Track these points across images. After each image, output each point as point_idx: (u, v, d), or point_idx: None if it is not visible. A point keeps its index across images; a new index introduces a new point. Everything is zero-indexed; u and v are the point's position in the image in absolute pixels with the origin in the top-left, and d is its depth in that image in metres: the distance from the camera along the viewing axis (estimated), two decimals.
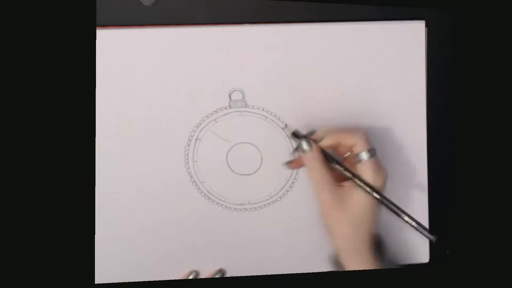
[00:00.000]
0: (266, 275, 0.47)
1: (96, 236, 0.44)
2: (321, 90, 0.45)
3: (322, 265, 0.46)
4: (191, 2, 0.43)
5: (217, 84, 0.44)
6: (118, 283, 0.45)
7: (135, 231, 0.45)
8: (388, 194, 0.47)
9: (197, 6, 0.43)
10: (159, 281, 0.46)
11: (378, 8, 0.45)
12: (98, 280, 0.44)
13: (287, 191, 0.46)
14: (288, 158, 0.44)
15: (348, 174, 0.40)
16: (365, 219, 0.40)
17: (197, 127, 0.44)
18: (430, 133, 0.47)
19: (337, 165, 0.40)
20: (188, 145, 0.44)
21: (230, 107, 0.44)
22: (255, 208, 0.46)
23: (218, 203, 0.45)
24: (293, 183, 0.46)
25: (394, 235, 0.48)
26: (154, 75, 0.43)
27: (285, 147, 0.45)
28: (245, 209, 0.46)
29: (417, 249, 0.48)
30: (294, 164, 0.44)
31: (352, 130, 0.41)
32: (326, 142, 0.41)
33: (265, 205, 0.46)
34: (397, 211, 0.39)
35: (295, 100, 0.44)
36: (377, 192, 0.39)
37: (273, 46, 0.44)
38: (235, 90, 0.44)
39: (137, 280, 0.45)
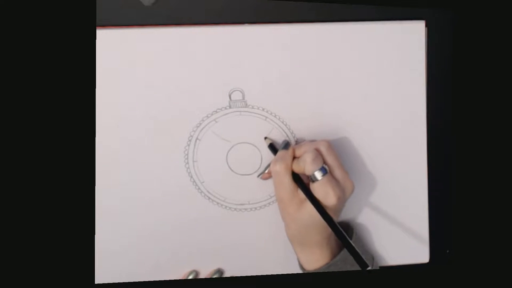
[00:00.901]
0: (266, 275, 0.47)
1: (96, 236, 0.44)
2: (321, 90, 0.45)
3: None
4: (191, 2, 0.43)
5: (217, 84, 0.44)
6: (118, 283, 0.45)
7: (135, 231, 0.45)
8: (388, 194, 0.47)
9: (197, 6, 0.43)
10: (159, 281, 0.46)
11: (378, 8, 0.45)
12: (98, 280, 0.44)
13: None
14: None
15: (302, 191, 0.41)
16: (311, 226, 0.40)
17: (197, 127, 0.44)
18: (430, 133, 0.47)
19: (297, 182, 0.41)
20: (188, 145, 0.44)
21: (230, 107, 0.44)
22: (255, 208, 0.46)
23: (218, 203, 0.45)
24: None
25: (394, 235, 0.48)
26: (154, 75, 0.43)
27: None
28: (245, 209, 0.46)
29: (417, 249, 0.48)
30: (266, 175, 0.44)
31: (303, 150, 0.41)
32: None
33: (265, 205, 0.46)
34: (340, 235, 0.39)
35: (295, 100, 0.44)
36: (322, 214, 0.39)
37: (273, 46, 0.44)
38: (235, 90, 0.44)
39: (137, 280, 0.45)
